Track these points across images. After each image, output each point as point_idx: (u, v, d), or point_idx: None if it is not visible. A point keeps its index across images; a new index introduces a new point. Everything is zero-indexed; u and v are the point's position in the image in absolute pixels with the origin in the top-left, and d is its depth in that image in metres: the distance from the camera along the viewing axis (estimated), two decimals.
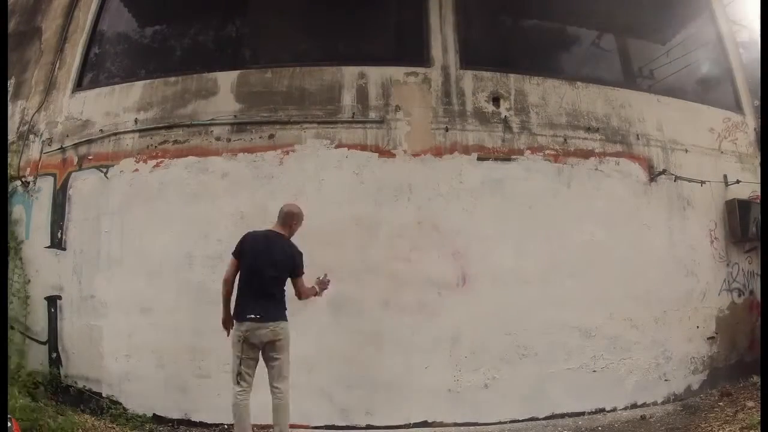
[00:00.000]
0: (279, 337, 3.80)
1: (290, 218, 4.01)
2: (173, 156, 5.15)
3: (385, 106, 5.22)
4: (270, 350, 3.80)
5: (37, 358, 5.09)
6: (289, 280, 3.92)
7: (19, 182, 5.53)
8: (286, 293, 3.92)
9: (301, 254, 3.97)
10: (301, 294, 3.99)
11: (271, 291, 3.84)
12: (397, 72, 5.32)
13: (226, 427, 4.67)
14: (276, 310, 3.84)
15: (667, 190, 5.62)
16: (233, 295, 3.88)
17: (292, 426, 4.63)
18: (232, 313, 3.85)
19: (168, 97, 5.35)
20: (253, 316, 3.74)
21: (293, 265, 3.92)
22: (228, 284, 3.89)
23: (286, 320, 3.87)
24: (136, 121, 5.32)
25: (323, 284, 4.10)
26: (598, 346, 5.08)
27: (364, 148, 5.10)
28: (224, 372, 4.71)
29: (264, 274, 3.81)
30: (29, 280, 5.24)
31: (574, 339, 5.03)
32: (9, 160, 5.52)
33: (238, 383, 3.75)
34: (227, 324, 3.89)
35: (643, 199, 5.51)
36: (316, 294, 4.07)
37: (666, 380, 5.28)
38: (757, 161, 6.11)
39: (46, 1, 6.37)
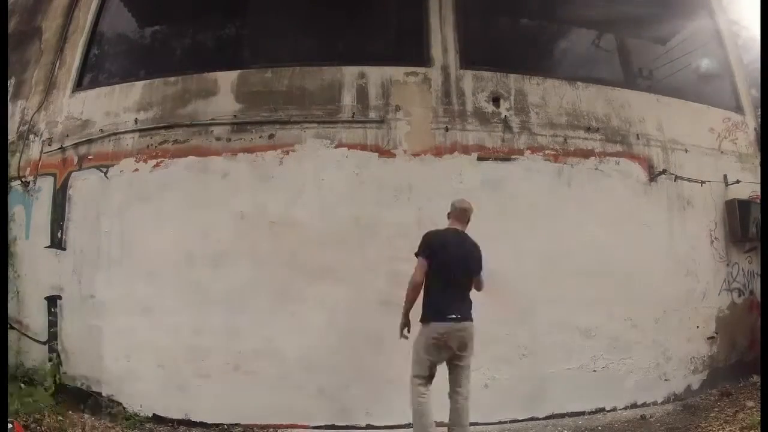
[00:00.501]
0: (472, 338, 3.77)
1: (467, 214, 4.01)
2: (173, 156, 5.15)
3: (385, 106, 5.22)
4: (462, 351, 3.75)
5: (36, 358, 5.09)
6: None
7: (19, 182, 5.53)
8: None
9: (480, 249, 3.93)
10: (480, 286, 4.01)
11: (467, 291, 3.82)
12: (397, 72, 5.32)
13: (225, 426, 4.67)
14: (469, 311, 3.79)
15: (667, 190, 5.62)
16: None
17: (292, 426, 4.66)
18: (423, 314, 3.75)
19: (168, 97, 5.35)
20: (454, 316, 3.66)
21: (480, 262, 3.93)
22: (419, 288, 3.78)
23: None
24: (136, 121, 5.32)
25: None
26: (598, 346, 5.08)
27: (364, 148, 5.10)
28: (224, 372, 4.76)
29: (461, 273, 3.79)
30: (18, 275, 5.24)
31: (574, 339, 5.03)
32: (9, 160, 5.52)
33: (426, 386, 3.71)
34: (405, 328, 3.86)
35: (643, 199, 5.51)
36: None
37: (666, 380, 5.28)
38: (757, 161, 6.11)
39: (46, 1, 6.37)
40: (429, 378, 3.74)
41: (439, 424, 4.70)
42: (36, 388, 4.64)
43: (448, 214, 4.06)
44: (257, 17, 5.89)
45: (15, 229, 5.40)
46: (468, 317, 3.77)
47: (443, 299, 3.70)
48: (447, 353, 3.72)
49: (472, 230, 4.97)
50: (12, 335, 5.03)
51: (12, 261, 5.27)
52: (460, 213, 4.02)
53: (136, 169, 5.20)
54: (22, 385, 4.53)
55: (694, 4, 6.60)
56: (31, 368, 4.96)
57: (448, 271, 3.75)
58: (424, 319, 3.72)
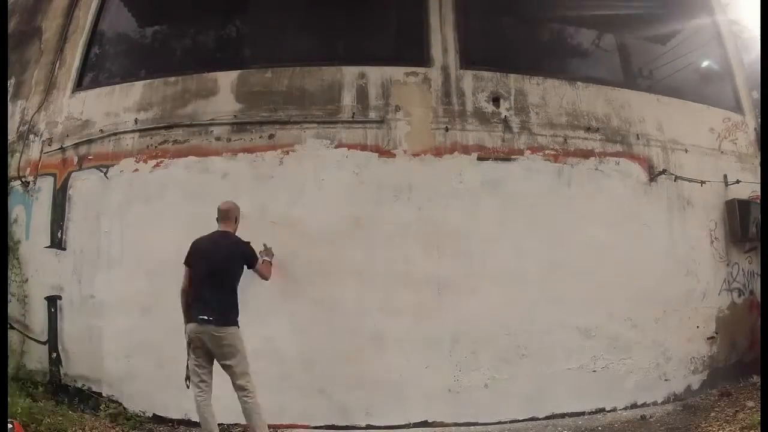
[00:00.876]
0: (228, 342, 3.89)
1: (228, 214, 4.25)
2: (173, 156, 5.15)
3: (385, 106, 5.22)
4: (218, 354, 3.91)
5: (37, 358, 5.09)
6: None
7: (19, 182, 5.53)
8: (238, 296, 4.07)
9: (248, 243, 4.20)
10: (263, 276, 4.32)
11: (222, 293, 3.96)
12: (397, 72, 5.32)
13: (225, 426, 4.67)
14: (224, 313, 3.91)
15: (667, 190, 5.62)
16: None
17: (292, 426, 4.66)
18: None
19: (168, 97, 5.35)
20: (203, 318, 3.85)
21: (244, 257, 4.13)
22: (183, 294, 4.08)
23: (235, 325, 3.97)
24: (136, 121, 5.32)
25: (269, 253, 4.45)
26: (598, 346, 5.08)
27: (364, 148, 5.10)
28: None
29: (209, 274, 3.96)
30: (27, 279, 5.24)
31: (574, 339, 5.03)
32: (9, 160, 5.52)
33: (199, 386, 3.89)
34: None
35: (643, 199, 5.51)
36: (271, 265, 4.40)
37: (666, 380, 5.28)
38: (757, 161, 6.11)
39: (46, 1, 6.37)
40: (199, 378, 3.89)
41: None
42: (37, 388, 4.64)
43: (216, 218, 4.26)
44: (257, 17, 5.89)
45: (18, 231, 5.40)
46: (219, 320, 3.86)
47: (195, 301, 3.94)
48: (204, 354, 3.90)
49: (473, 230, 5.01)
50: (17, 338, 5.03)
51: (18, 264, 5.26)
52: (223, 214, 4.25)
53: (136, 169, 5.20)
54: (23, 385, 4.53)
55: (694, 4, 6.60)
56: (32, 369, 4.96)
57: (198, 273, 4.00)
58: (185, 321, 3.99)
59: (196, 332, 3.87)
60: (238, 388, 3.91)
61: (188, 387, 3.84)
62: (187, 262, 4.11)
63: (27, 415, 3.97)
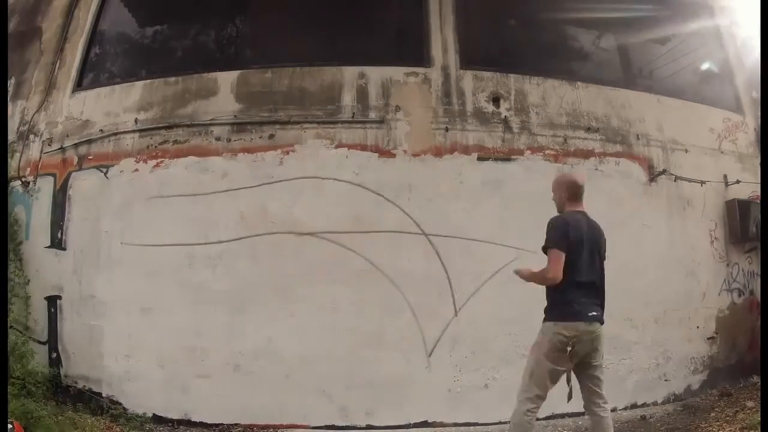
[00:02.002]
0: (602, 340, 3.22)
1: (581, 189, 3.47)
2: (173, 156, 5.15)
3: (385, 106, 5.22)
4: (593, 356, 3.19)
5: (37, 358, 5.08)
6: None
7: (19, 182, 5.52)
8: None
9: None
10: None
11: (603, 285, 3.28)
12: (397, 72, 5.32)
13: (225, 426, 4.68)
14: (603, 310, 3.25)
15: (667, 190, 5.62)
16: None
17: (292, 426, 4.66)
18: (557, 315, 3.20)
19: (168, 97, 5.35)
20: (594, 314, 3.14)
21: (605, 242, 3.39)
22: (554, 285, 3.17)
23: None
24: (136, 121, 5.32)
25: None
26: None
27: (364, 148, 5.10)
28: (224, 372, 4.76)
29: (596, 265, 3.26)
30: (29, 281, 5.24)
31: None
32: (9, 160, 5.51)
33: (539, 398, 3.20)
34: None
35: (643, 199, 5.51)
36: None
37: (666, 380, 5.28)
38: (757, 161, 6.10)
39: (46, 1, 6.36)
40: (547, 390, 3.32)
41: None
42: (37, 389, 4.62)
43: (574, 195, 3.48)
44: (257, 17, 5.90)
45: (18, 231, 5.39)
46: (602, 316, 3.26)
47: (579, 295, 3.19)
48: (575, 359, 3.22)
49: (473, 230, 5.01)
50: (18, 339, 5.01)
51: (21, 266, 5.24)
52: (582, 190, 3.48)
53: (136, 170, 5.20)
54: (23, 386, 4.52)
55: (694, 4, 6.60)
56: (31, 369, 4.95)
57: (581, 261, 3.23)
58: (552, 318, 3.27)
59: (585, 332, 3.10)
60: (597, 396, 3.18)
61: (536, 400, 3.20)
62: (562, 245, 3.17)
63: (27, 415, 3.96)
